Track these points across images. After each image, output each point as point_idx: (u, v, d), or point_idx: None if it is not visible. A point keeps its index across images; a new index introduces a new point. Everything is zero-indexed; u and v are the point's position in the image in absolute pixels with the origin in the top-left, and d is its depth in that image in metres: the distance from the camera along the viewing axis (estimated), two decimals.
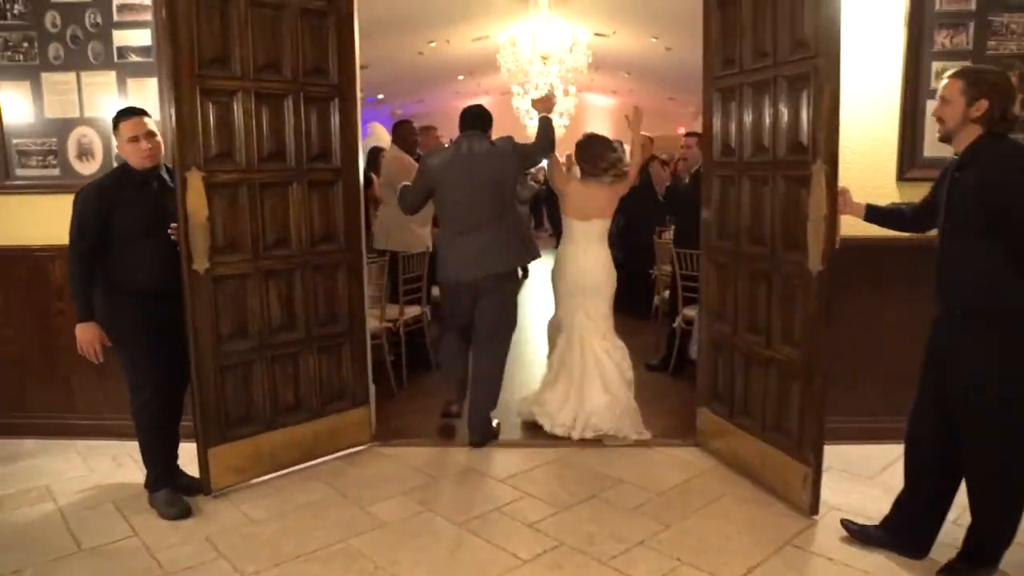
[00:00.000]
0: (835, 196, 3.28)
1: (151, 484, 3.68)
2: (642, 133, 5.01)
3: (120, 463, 4.24)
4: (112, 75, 4.34)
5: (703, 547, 3.29)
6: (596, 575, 3.09)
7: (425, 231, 6.16)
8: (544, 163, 5.12)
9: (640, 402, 4.79)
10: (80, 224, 3.45)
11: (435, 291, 6.43)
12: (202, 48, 3.61)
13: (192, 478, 3.81)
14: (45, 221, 4.35)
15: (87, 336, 3.48)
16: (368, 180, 6.34)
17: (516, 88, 14.51)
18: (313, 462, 4.17)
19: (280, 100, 3.90)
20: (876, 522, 3.34)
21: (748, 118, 3.83)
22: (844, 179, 3.45)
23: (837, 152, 3.29)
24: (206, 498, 3.75)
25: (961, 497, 3.07)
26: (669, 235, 7.27)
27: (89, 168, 4.37)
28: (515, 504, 3.71)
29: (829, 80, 3.25)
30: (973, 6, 4.07)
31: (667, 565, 3.14)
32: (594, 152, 4.72)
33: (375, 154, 6.82)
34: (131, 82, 4.34)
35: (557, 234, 9.89)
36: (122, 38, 4.32)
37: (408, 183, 4.75)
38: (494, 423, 4.66)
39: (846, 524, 3.38)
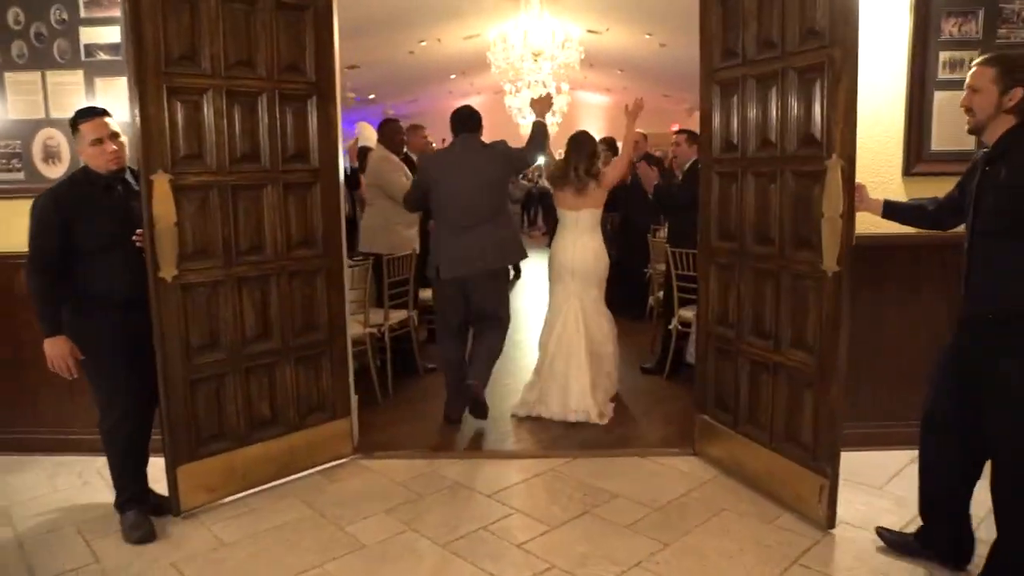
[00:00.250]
0: (852, 193, 3.09)
1: (120, 505, 3.47)
2: (636, 130, 5.20)
3: (86, 481, 4.01)
4: (80, 74, 4.12)
5: (705, 568, 3.08)
6: None
7: (411, 233, 5.96)
8: (541, 160, 5.22)
9: (635, 409, 4.78)
10: (38, 236, 3.23)
11: (423, 294, 6.24)
12: (169, 44, 3.39)
13: (161, 497, 3.59)
14: (9, 227, 4.12)
15: (57, 351, 3.26)
16: (358, 180, 6.16)
17: (508, 87, 14.33)
18: (291, 478, 3.95)
19: (254, 98, 3.69)
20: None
21: (752, 112, 3.62)
22: None
23: (855, 146, 3.11)
24: (175, 519, 3.53)
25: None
26: (664, 233, 7.10)
27: (56, 172, 4.14)
28: (504, 522, 3.50)
29: (846, 71, 3.06)
30: None
31: None
32: (578, 155, 4.94)
33: (365, 154, 6.61)
34: (100, 81, 4.11)
35: (551, 232, 9.73)
36: (90, 35, 4.09)
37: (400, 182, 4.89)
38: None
39: (882, 533, 3.24)
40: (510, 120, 16.01)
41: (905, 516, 3.43)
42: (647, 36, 12.49)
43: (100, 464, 3.70)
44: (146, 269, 3.34)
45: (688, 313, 5.44)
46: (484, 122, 4.93)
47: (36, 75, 4.13)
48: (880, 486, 3.78)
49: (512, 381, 5.64)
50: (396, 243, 5.78)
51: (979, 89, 2.71)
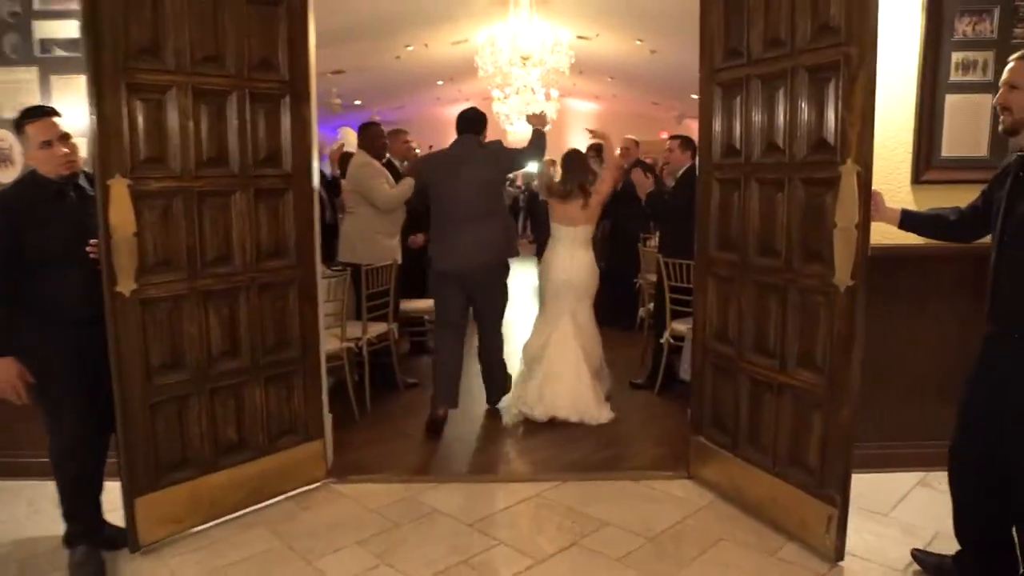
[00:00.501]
0: (868, 201, 2.87)
1: (69, 539, 3.19)
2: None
3: (37, 509, 3.70)
4: (34, 71, 3.83)
5: None
6: None
7: (393, 243, 5.69)
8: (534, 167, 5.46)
9: (625, 427, 4.75)
10: None
11: (404, 306, 5.99)
12: (129, 37, 3.11)
13: (117, 529, 3.31)
14: None
15: (4, 375, 2.96)
16: (340, 187, 5.93)
17: (496, 92, 14.11)
18: (261, 505, 3.68)
19: (222, 97, 3.43)
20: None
21: (757, 115, 3.39)
22: None
23: (872, 151, 2.88)
24: (132, 555, 3.24)
25: None
26: (654, 242, 6.89)
27: (8, 175, 3.83)
28: (486, 555, 3.24)
29: (864, 69, 2.84)
30: None
31: None
32: (572, 171, 5.19)
33: (348, 160, 6.34)
34: (55, 80, 3.83)
35: (538, 241, 9.53)
36: (45, 29, 3.81)
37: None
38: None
39: (917, 555, 3.07)
40: (497, 126, 15.78)
41: (914, 544, 3.20)
42: (637, 42, 12.30)
43: (53, 489, 3.37)
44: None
45: (681, 326, 5.21)
46: None
47: None
48: (887, 512, 3.54)
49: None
50: (377, 253, 5.52)
51: (1018, 86, 2.50)
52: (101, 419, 3.17)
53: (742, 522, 3.48)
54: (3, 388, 2.97)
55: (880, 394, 3.81)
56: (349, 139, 7.98)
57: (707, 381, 3.79)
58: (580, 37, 11.90)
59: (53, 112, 3.04)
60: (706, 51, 3.70)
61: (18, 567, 3.19)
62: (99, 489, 3.28)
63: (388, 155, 6.08)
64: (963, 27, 3.64)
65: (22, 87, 3.82)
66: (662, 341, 5.37)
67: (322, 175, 7.13)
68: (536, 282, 5.49)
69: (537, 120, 5.09)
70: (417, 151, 7.21)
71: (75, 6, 3.73)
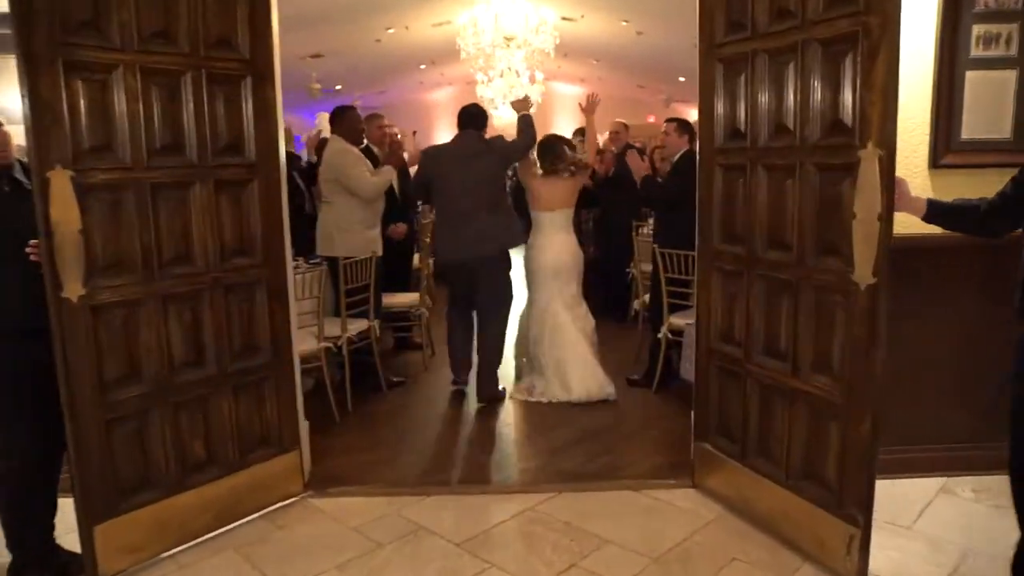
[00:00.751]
0: (892, 189, 2.58)
1: (15, 570, 2.89)
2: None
3: None
4: None
5: None
6: None
7: (373, 233, 5.38)
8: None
9: (623, 429, 4.53)
10: None
11: (387, 301, 5.69)
12: (66, 8, 2.77)
13: (71, 554, 3.01)
14: None
15: None
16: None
17: (480, 76, 13.74)
18: (233, 525, 3.39)
19: (176, 78, 3.10)
20: None
21: (764, 94, 3.09)
22: None
23: (895, 134, 2.59)
24: None
25: None
26: (647, 230, 6.62)
27: None
28: None
29: (886, 42, 2.54)
30: None
31: None
32: (554, 153, 5.28)
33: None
34: None
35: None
36: None
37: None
38: (500, 387, 5.19)
39: None
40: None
41: (943, 563, 2.95)
42: (623, 23, 11.97)
43: None
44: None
45: (679, 320, 4.93)
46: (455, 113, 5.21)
47: None
48: (909, 525, 3.28)
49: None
50: (356, 245, 5.21)
51: None
52: (49, 438, 2.86)
53: (753, 538, 3.21)
54: None
55: (896, 394, 3.53)
56: (326, 125, 7.65)
57: (712, 384, 3.52)
58: (565, 18, 11.54)
59: None
60: (705, 24, 3.38)
61: None
62: (50, 514, 2.98)
63: (365, 141, 5.76)
64: None
65: None
66: (660, 336, 5.09)
67: (299, 160, 6.86)
68: (522, 270, 5.44)
69: (521, 105, 5.25)
70: (399, 136, 6.88)
71: None
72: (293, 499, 3.64)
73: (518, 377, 5.43)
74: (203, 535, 3.29)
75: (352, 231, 5.25)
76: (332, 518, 3.47)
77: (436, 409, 5.06)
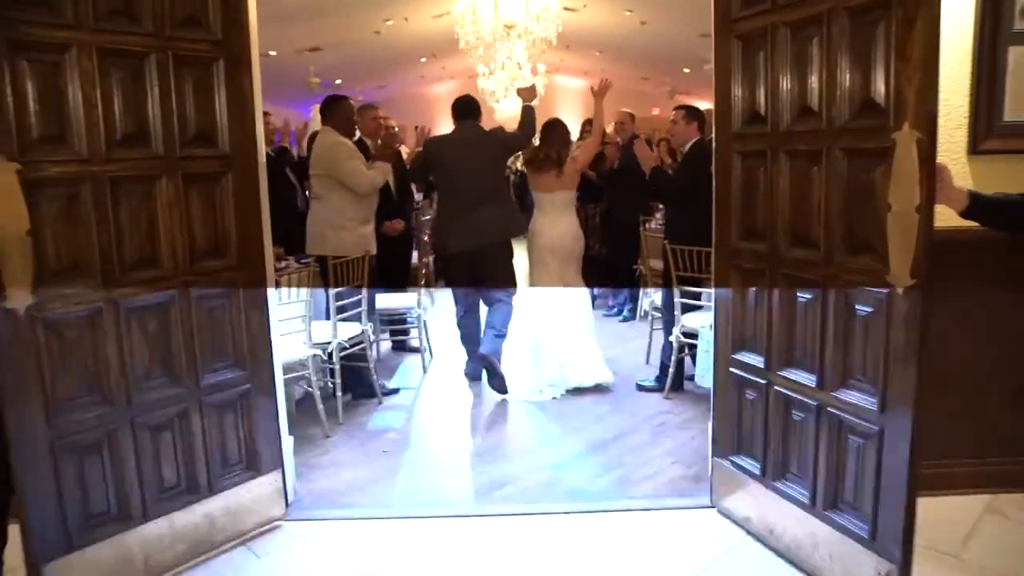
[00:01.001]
0: (932, 177, 2.27)
1: None
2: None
3: None
4: None
5: None
6: None
7: (366, 230, 5.08)
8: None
9: (633, 439, 4.23)
10: None
11: (381, 302, 5.40)
12: None
13: None
14: None
15: None
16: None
17: (481, 68, 13.48)
18: (207, 556, 3.08)
19: (138, 61, 2.79)
20: None
21: (786, 72, 2.77)
22: None
23: (936, 112, 2.28)
24: None
25: None
26: (654, 225, 6.34)
27: None
28: None
29: (924, 8, 2.23)
30: None
31: None
32: (556, 136, 5.25)
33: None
34: None
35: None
36: None
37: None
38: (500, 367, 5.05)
39: None
40: (484, 104, 15.13)
41: None
42: (627, 13, 11.68)
43: None
44: None
45: (693, 322, 4.63)
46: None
47: None
48: (956, 552, 2.94)
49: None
50: (349, 244, 4.92)
51: None
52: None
53: (781, 570, 2.89)
54: None
55: (937, 404, 3.22)
56: (319, 118, 7.37)
57: (731, 396, 3.20)
58: (567, 8, 11.25)
59: None
60: None
61: None
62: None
63: (358, 134, 5.47)
64: None
65: None
66: (671, 339, 4.78)
67: (291, 154, 6.59)
68: (524, 255, 5.44)
69: (528, 94, 5.27)
70: (396, 129, 6.59)
71: None
72: (275, 524, 3.34)
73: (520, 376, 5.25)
74: (174, 568, 2.98)
75: (344, 228, 4.97)
76: (317, 546, 3.17)
77: (434, 418, 4.78)
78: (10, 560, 2.62)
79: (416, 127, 6.01)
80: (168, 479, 2.98)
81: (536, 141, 5.33)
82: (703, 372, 4.28)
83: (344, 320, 4.71)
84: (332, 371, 4.62)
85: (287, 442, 3.48)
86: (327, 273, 4.60)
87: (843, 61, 2.54)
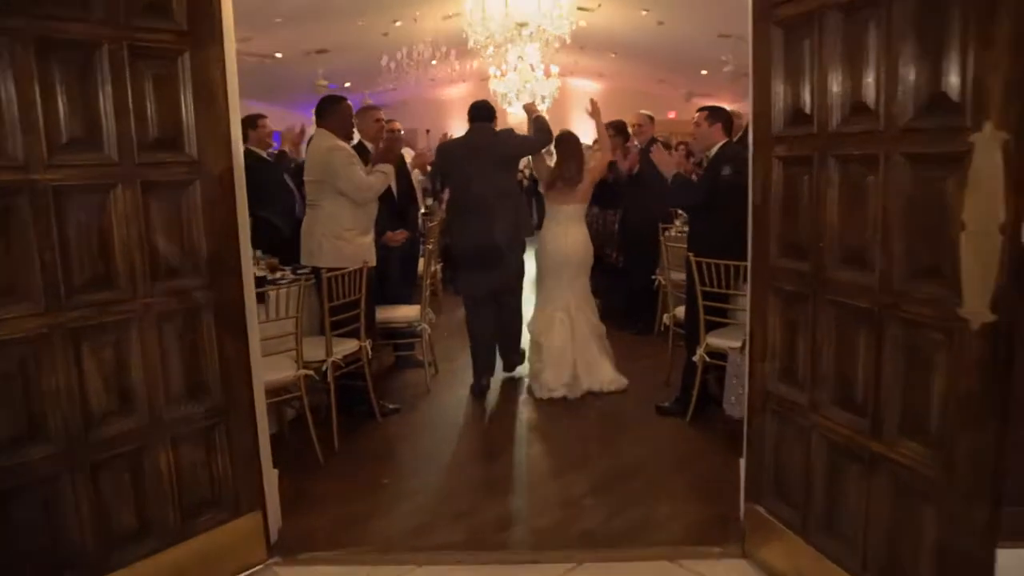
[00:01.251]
0: (1022, 189, 1.89)
1: None
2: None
3: None
4: None
5: None
6: None
7: (366, 240, 4.71)
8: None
9: (652, 472, 3.88)
10: None
11: (381, 315, 5.05)
12: None
13: None
14: None
15: None
16: None
17: (493, 70, 13.16)
18: None
19: (88, 53, 2.44)
20: None
21: (837, 63, 2.38)
22: None
23: None
24: None
25: None
26: (674, 233, 5.97)
27: None
28: None
29: None
30: None
31: None
32: (570, 147, 5.32)
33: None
34: None
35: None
36: None
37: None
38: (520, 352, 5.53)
39: None
40: (496, 107, 14.82)
41: None
42: (643, 13, 11.33)
43: None
44: None
45: (719, 341, 4.24)
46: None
47: None
48: None
49: None
50: (347, 254, 4.55)
51: None
52: None
53: None
54: None
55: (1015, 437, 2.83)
56: None
57: (767, 433, 2.81)
58: (581, 8, 10.88)
59: None
60: None
61: None
62: None
63: (358, 137, 5.11)
64: None
65: None
66: (695, 359, 4.39)
67: (289, 159, 6.23)
68: (533, 262, 5.49)
69: (531, 107, 5.55)
70: (402, 132, 6.25)
71: None
72: (255, 569, 2.99)
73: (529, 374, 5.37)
74: None
75: (342, 239, 4.59)
76: None
77: (437, 443, 4.43)
78: None
79: (427, 131, 5.77)
80: (128, 525, 2.64)
81: (551, 157, 5.48)
82: (732, 400, 3.89)
83: (341, 336, 4.35)
84: (328, 391, 4.25)
85: (270, 476, 3.14)
86: (327, 286, 4.24)
87: (906, 48, 2.15)
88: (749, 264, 2.87)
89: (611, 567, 2.96)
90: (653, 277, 6.24)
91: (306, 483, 3.70)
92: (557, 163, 5.35)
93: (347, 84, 16.53)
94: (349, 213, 4.61)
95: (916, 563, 2.22)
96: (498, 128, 5.33)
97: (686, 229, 5.78)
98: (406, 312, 5.39)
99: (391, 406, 4.87)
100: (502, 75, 12.96)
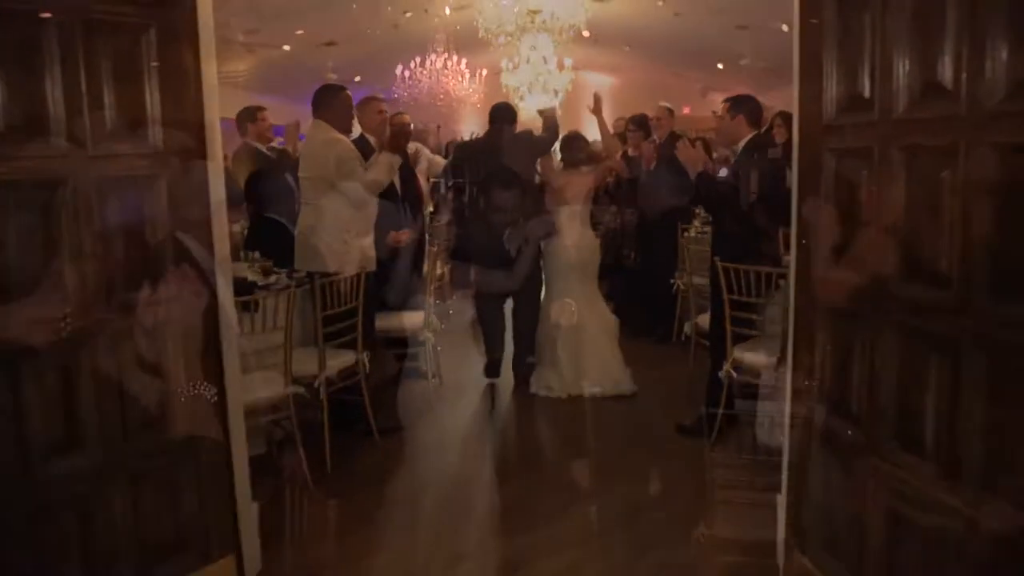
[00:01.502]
0: None
1: None
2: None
3: None
4: None
5: None
6: None
7: (366, 243, 4.37)
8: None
9: (674, 504, 3.48)
10: None
11: (381, 323, 4.69)
12: None
13: None
14: None
15: None
16: None
17: (505, 63, 12.89)
18: None
19: (34, 29, 2.12)
20: None
21: (904, 36, 2.01)
22: None
23: None
24: None
25: None
26: (694, 233, 5.63)
27: None
28: None
29: None
30: None
31: None
32: (575, 146, 5.46)
33: None
34: None
35: None
36: None
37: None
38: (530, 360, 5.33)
39: None
40: (508, 99, 14.57)
41: None
42: (659, 3, 11.01)
43: None
44: None
45: (748, 355, 3.87)
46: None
47: None
48: None
49: None
50: (345, 258, 4.22)
51: None
52: None
53: None
54: None
55: None
56: None
57: (813, 473, 2.44)
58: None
59: None
60: None
61: None
62: None
63: (360, 130, 4.77)
64: None
65: None
66: (721, 374, 4.01)
67: (290, 156, 5.91)
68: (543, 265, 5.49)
69: (548, 112, 5.58)
70: (411, 126, 5.94)
71: None
72: None
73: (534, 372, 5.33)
74: None
75: (339, 240, 4.25)
76: None
77: (438, 467, 4.10)
78: None
79: (438, 127, 5.65)
80: None
81: (557, 154, 5.61)
82: (765, 426, 3.50)
83: (336, 348, 4.02)
84: (321, 408, 3.91)
85: (249, 511, 2.81)
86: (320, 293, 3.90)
87: (995, 15, 1.78)
88: (792, 274, 2.51)
89: None
90: (672, 280, 5.88)
91: (291, 513, 3.38)
92: (562, 160, 5.52)
93: (357, 78, 16.25)
94: (347, 212, 4.28)
95: None
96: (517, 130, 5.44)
97: (706, 230, 5.44)
98: (410, 320, 5.04)
99: (391, 423, 4.52)
100: (514, 67, 12.69)
